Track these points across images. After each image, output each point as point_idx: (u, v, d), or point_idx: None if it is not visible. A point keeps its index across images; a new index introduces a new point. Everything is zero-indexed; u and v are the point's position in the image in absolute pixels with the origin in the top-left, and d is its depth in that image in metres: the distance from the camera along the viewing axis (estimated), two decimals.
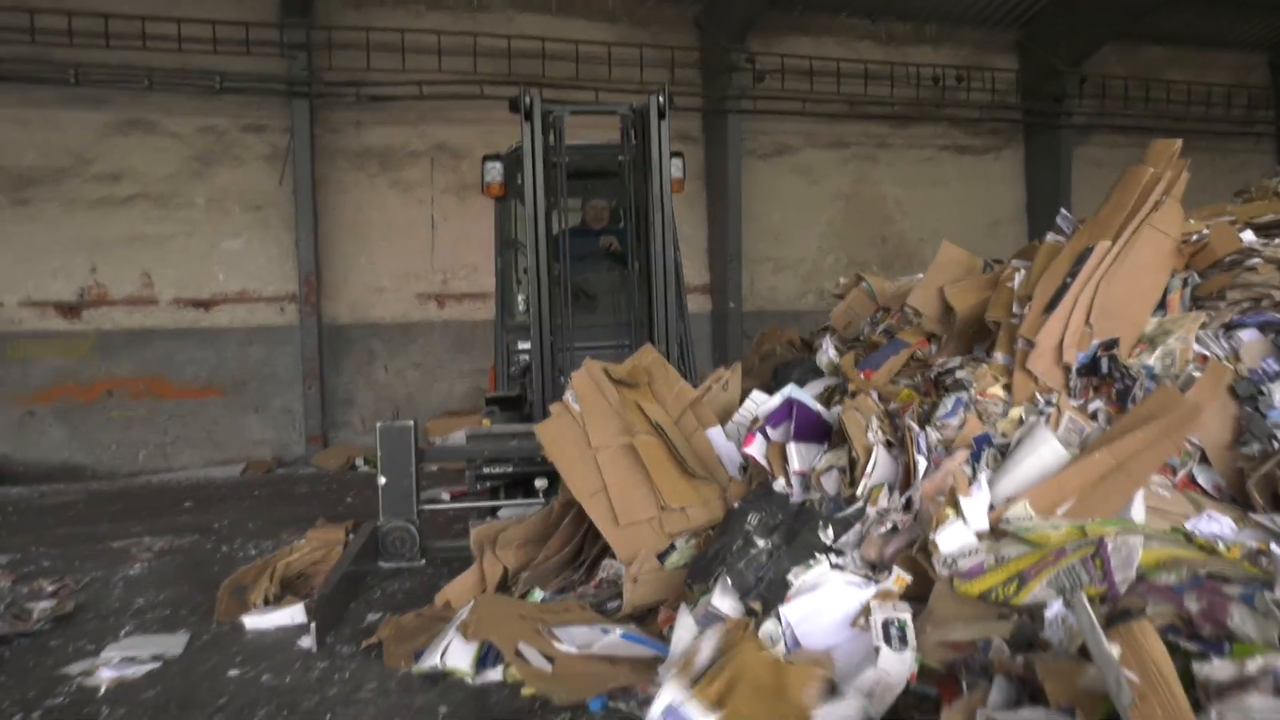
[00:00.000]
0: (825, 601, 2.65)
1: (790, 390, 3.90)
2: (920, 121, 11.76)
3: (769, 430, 3.66)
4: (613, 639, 2.90)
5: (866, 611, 2.46)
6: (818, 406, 3.85)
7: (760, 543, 3.02)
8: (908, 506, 3.01)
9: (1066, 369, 3.49)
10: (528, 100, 4.75)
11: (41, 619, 3.36)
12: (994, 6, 11.52)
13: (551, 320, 4.84)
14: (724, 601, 2.85)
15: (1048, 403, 3.35)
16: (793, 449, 3.53)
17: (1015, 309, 3.76)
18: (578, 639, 2.93)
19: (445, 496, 6.10)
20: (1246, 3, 12.05)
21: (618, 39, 10.24)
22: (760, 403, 3.96)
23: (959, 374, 3.87)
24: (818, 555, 2.88)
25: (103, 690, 2.82)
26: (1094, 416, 3.31)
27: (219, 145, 9.38)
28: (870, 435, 3.35)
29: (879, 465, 3.20)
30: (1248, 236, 3.66)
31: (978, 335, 4.05)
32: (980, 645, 2.01)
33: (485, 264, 10.14)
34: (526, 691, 2.67)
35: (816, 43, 11.06)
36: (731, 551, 3.03)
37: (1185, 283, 3.66)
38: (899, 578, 2.67)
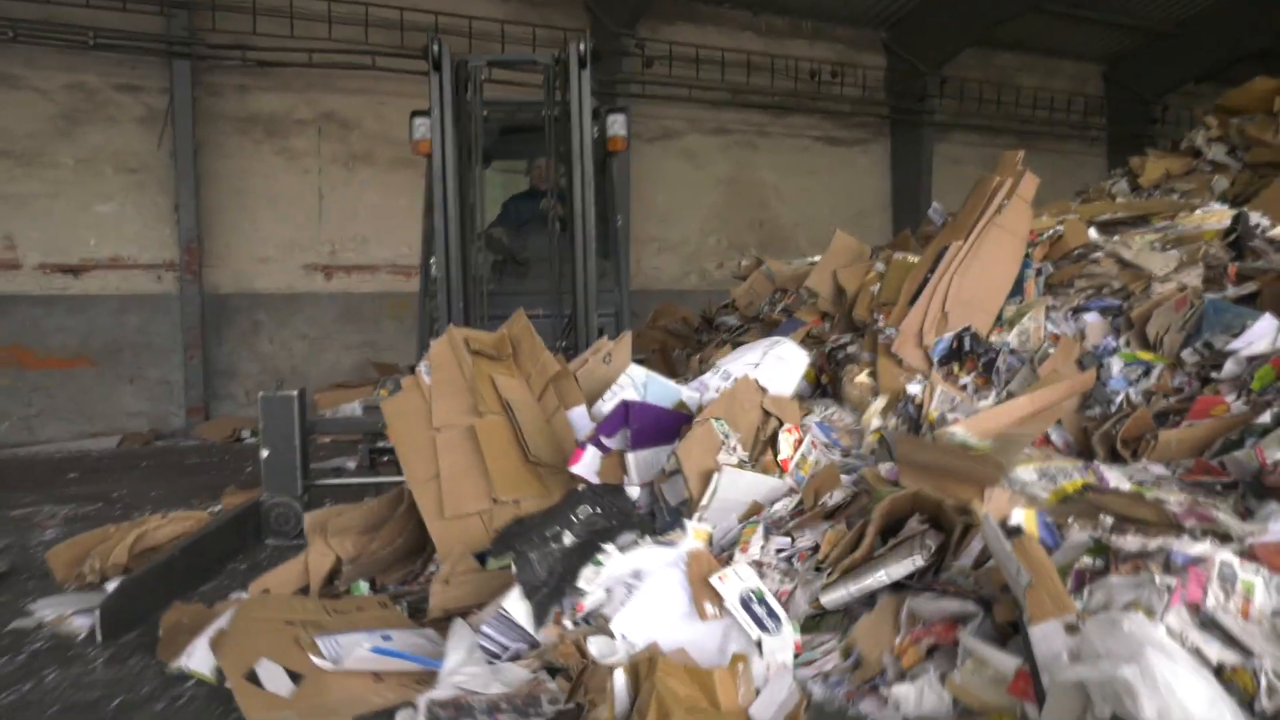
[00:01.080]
0: (651, 597, 2.41)
1: (640, 376, 3.56)
2: (796, 112, 12.39)
3: (603, 440, 3.24)
4: (363, 653, 2.47)
5: (710, 596, 2.30)
6: (678, 391, 3.56)
7: (567, 540, 2.74)
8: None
9: (927, 352, 4.01)
10: (436, 49, 4.51)
11: None
12: (864, 7, 12.25)
13: (465, 287, 4.60)
14: (516, 605, 2.53)
15: (920, 379, 3.86)
16: (631, 460, 3.15)
17: (874, 315, 4.26)
18: (344, 650, 2.53)
19: (351, 466, 6.17)
20: (1085, 18, 13.25)
21: (510, 17, 10.33)
22: (629, 383, 3.59)
23: (850, 349, 4.36)
24: (602, 555, 2.60)
25: None
26: (964, 388, 3.83)
27: (89, 104, 8.94)
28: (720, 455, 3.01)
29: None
30: (1092, 233, 4.28)
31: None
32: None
33: (374, 236, 10.16)
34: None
35: (702, 31, 11.47)
36: (537, 537, 2.76)
37: (1039, 272, 4.24)
38: (698, 531, 2.66)
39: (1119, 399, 3.41)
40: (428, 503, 3.30)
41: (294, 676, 2.38)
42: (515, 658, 2.46)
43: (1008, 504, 2.12)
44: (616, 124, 4.94)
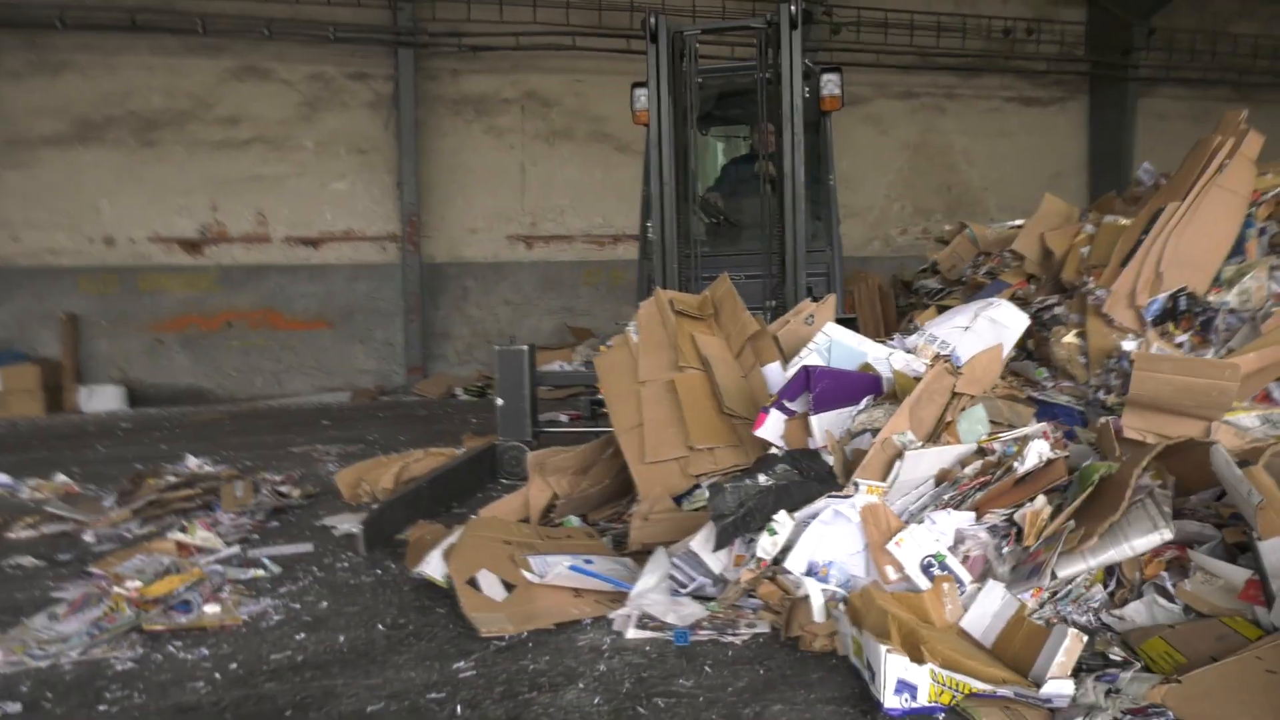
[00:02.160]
0: (829, 538, 2.59)
1: (824, 340, 3.55)
2: (988, 73, 12.05)
3: (787, 404, 3.31)
4: (563, 571, 2.80)
5: (890, 561, 2.42)
6: (864, 352, 3.50)
7: (761, 478, 2.89)
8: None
9: (1139, 312, 4.05)
10: (653, 21, 4.66)
11: (298, 496, 4.12)
12: None
13: (680, 249, 4.73)
14: (703, 544, 2.79)
15: (1134, 337, 3.93)
16: (816, 423, 3.20)
17: (1083, 277, 4.30)
18: (550, 568, 2.85)
19: (564, 419, 6.76)
20: None
21: None
22: (819, 344, 3.58)
23: (1056, 310, 4.45)
24: (775, 523, 2.68)
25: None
26: (1179, 346, 3.88)
27: (327, 91, 10.00)
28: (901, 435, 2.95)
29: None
30: None
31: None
32: None
33: (571, 208, 10.81)
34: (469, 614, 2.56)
35: None
36: (735, 477, 2.96)
37: (1262, 231, 4.18)
38: (871, 487, 2.70)
39: None
40: (631, 448, 3.59)
41: (508, 586, 2.72)
42: (699, 591, 2.73)
43: (1234, 439, 2.29)
44: (831, 83, 4.96)
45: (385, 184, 10.20)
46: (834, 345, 3.55)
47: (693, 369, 3.65)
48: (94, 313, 9.50)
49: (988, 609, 2.21)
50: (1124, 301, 4.01)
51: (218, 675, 2.21)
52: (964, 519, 2.55)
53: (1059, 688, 1.80)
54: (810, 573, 2.55)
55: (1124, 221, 4.43)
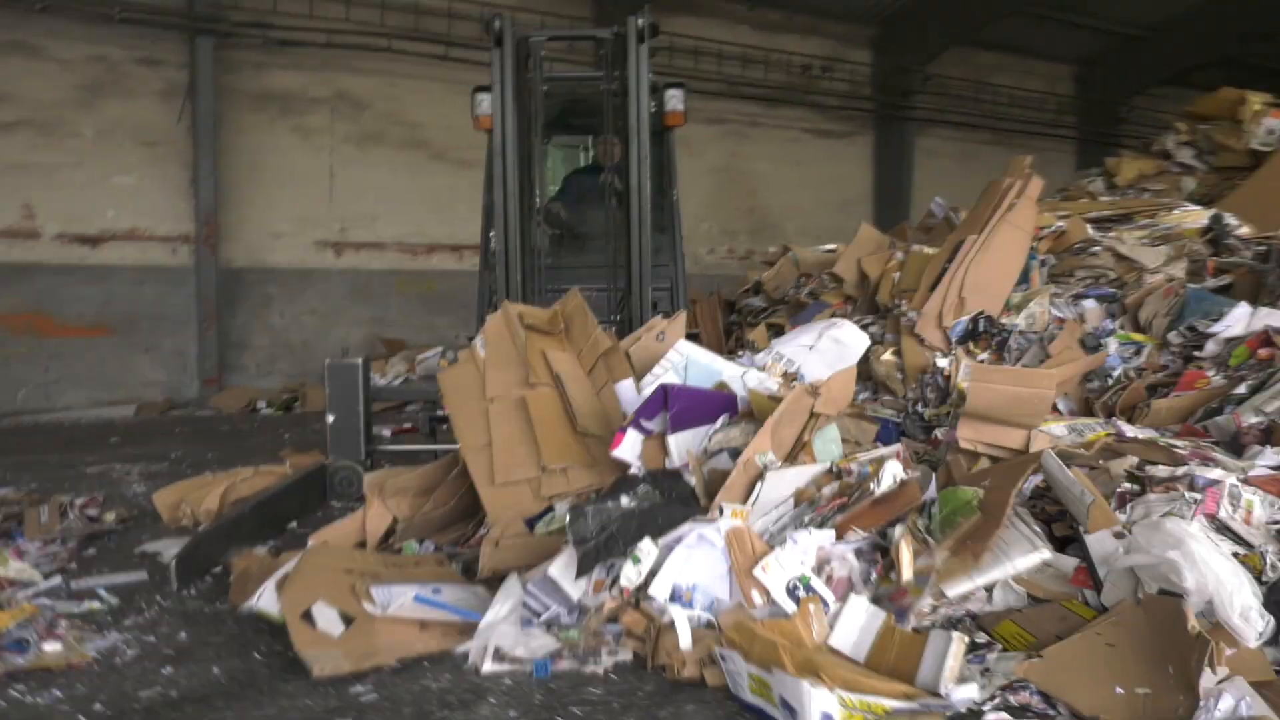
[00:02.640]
0: (693, 563, 2.57)
1: (679, 358, 3.57)
2: (787, 105, 12.86)
3: (644, 423, 3.29)
4: (407, 602, 2.67)
5: (756, 586, 2.44)
6: (719, 370, 3.55)
7: (624, 500, 2.86)
8: None
9: (946, 333, 4.53)
10: (498, 25, 4.46)
11: (112, 520, 3.74)
12: (855, 4, 12.74)
13: (524, 261, 4.60)
14: (561, 570, 2.69)
15: (947, 355, 4.36)
16: (673, 442, 3.21)
17: (896, 300, 4.75)
18: (394, 599, 2.70)
19: (386, 434, 6.52)
20: (1059, 20, 13.89)
21: (519, 5, 10.63)
22: (674, 362, 3.60)
23: (872, 329, 4.85)
24: (640, 551, 2.61)
25: None
26: (981, 364, 4.35)
27: (110, 76, 9.12)
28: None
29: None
30: (1089, 230, 4.81)
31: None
32: None
33: (385, 214, 10.49)
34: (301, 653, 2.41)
35: (702, 23, 11.88)
36: (596, 499, 2.89)
37: (1043, 263, 4.77)
38: (735, 510, 2.72)
39: (1116, 374, 3.95)
40: (479, 469, 3.43)
41: (347, 620, 2.53)
42: (554, 620, 2.63)
43: (1049, 445, 2.62)
44: (674, 98, 4.95)
45: (178, 180, 9.44)
46: (690, 363, 3.57)
47: (545, 386, 3.57)
48: None
49: (854, 624, 2.27)
50: (933, 323, 4.44)
51: (81, 718, 1.99)
52: (825, 537, 2.58)
53: (965, 693, 1.93)
54: (675, 597, 2.53)
55: (929, 251, 4.91)
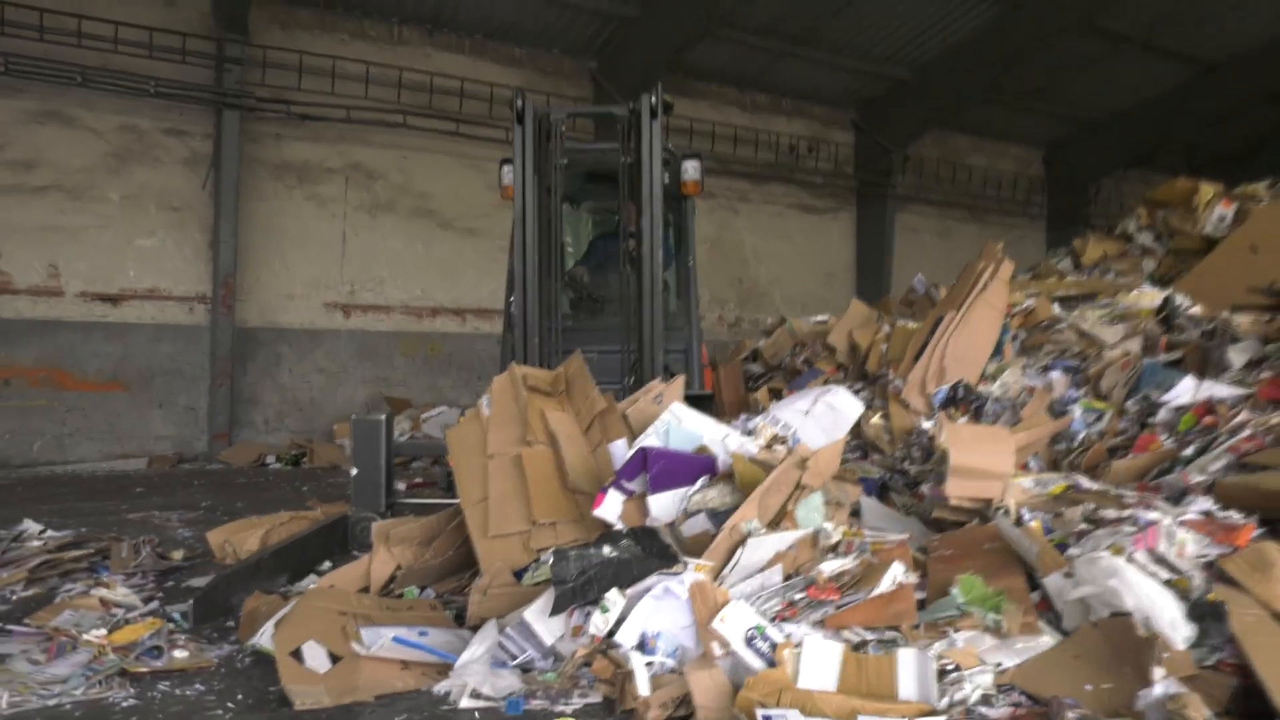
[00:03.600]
0: (659, 613, 2.70)
1: (673, 420, 3.68)
2: (774, 181, 13.59)
3: (625, 484, 3.43)
4: (386, 642, 2.84)
5: (716, 638, 2.55)
6: (699, 434, 3.65)
7: (606, 550, 2.96)
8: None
9: (929, 399, 5.01)
10: (519, 103, 4.77)
11: (179, 558, 4.10)
12: (838, 89, 13.56)
13: (541, 322, 4.79)
14: (537, 616, 2.83)
15: (931, 419, 4.83)
16: (653, 503, 3.35)
17: (883, 369, 5.25)
18: (380, 639, 2.88)
19: (401, 487, 6.87)
20: (1028, 108, 14.80)
21: (525, 84, 11.31)
22: (667, 424, 3.71)
23: (862, 395, 5.33)
24: (608, 601, 2.77)
25: None
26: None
27: (139, 145, 9.64)
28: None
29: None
30: (1055, 309, 5.35)
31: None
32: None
33: (391, 279, 10.98)
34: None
35: (695, 105, 12.61)
36: (580, 547, 3.01)
37: (1015, 337, 5.29)
38: (699, 565, 2.87)
39: (1080, 437, 4.43)
40: (475, 521, 3.63)
41: (334, 658, 2.73)
42: (529, 663, 2.80)
43: (1020, 495, 3.08)
44: (690, 169, 5.19)
45: (198, 243, 9.90)
46: (672, 428, 3.69)
47: (541, 444, 3.74)
48: None
49: (815, 659, 2.44)
50: (917, 389, 4.93)
51: (230, 704, 2.37)
52: (812, 634, 2.61)
53: (964, 695, 2.30)
54: (642, 644, 2.67)
55: (913, 325, 5.42)
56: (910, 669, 2.38)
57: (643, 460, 3.41)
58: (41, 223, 9.22)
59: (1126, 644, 2.26)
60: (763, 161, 13.24)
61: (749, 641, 2.52)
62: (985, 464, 3.29)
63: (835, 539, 3.14)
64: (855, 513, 3.63)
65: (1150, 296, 5.80)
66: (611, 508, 3.39)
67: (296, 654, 2.72)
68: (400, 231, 10.94)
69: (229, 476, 8.24)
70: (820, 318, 6.30)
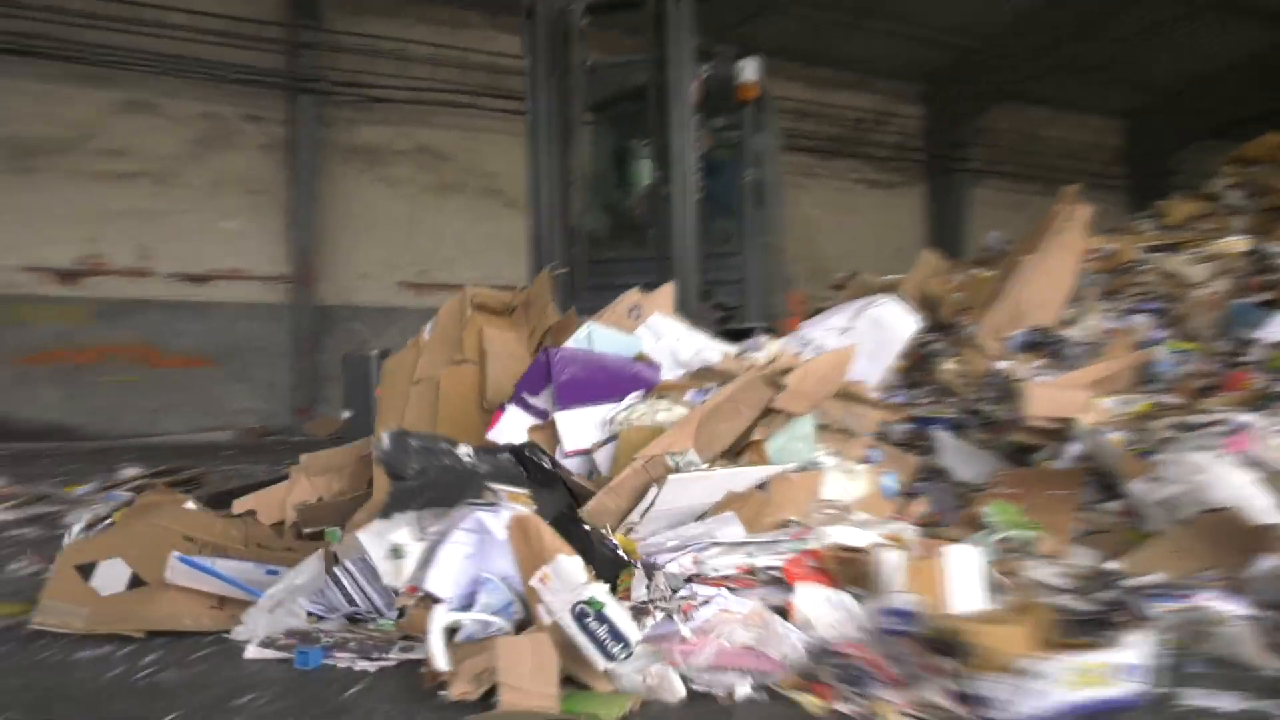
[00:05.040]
0: (479, 552, 2.12)
1: (582, 335, 2.97)
2: (841, 156, 13.44)
3: (528, 399, 2.76)
4: (176, 564, 2.38)
5: (539, 600, 1.90)
6: (635, 344, 2.95)
7: (463, 454, 2.44)
8: None
9: (1005, 345, 4.92)
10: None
11: None
12: (904, 62, 13.34)
13: (572, 250, 4.32)
14: (373, 538, 2.22)
15: (1007, 362, 4.75)
16: (563, 421, 2.65)
17: (957, 317, 5.17)
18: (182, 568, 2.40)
19: None
20: (1106, 77, 14.34)
21: None
22: (589, 331, 3.04)
23: (936, 346, 5.26)
24: (401, 548, 2.20)
25: None
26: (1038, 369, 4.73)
27: (219, 131, 10.01)
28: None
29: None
30: (1138, 249, 5.20)
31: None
32: None
33: (459, 258, 11.17)
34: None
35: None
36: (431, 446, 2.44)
37: (1094, 281, 5.16)
38: (512, 494, 2.27)
39: (1168, 377, 4.30)
40: None
41: (138, 583, 2.34)
42: (368, 610, 2.24)
43: (1103, 414, 3.02)
44: (747, 68, 4.49)
45: (276, 226, 10.24)
46: (595, 333, 3.01)
47: (470, 364, 3.22)
48: None
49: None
50: (992, 335, 4.84)
51: None
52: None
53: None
54: (470, 596, 2.05)
55: (987, 273, 5.33)
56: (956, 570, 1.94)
57: (545, 367, 2.72)
58: (132, 207, 9.64)
59: (1226, 535, 2.20)
60: (828, 136, 13.11)
61: (579, 618, 1.84)
62: (1064, 385, 3.23)
63: (845, 481, 2.48)
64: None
65: (1239, 244, 5.60)
66: (511, 428, 2.72)
67: (83, 569, 2.35)
68: (468, 211, 11.13)
69: (312, 446, 8.48)
70: (891, 276, 6.23)
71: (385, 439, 2.46)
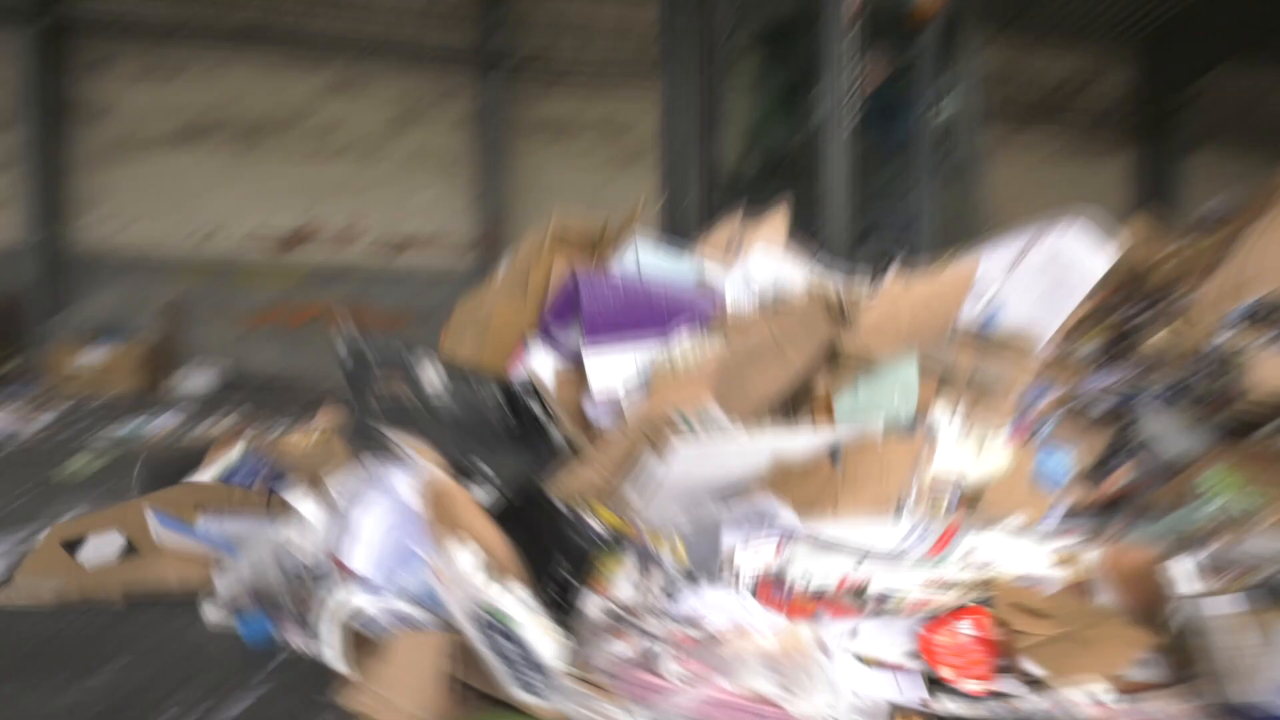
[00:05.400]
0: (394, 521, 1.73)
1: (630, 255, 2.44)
2: (1036, 124, 12.62)
3: (555, 333, 2.32)
4: (153, 524, 2.26)
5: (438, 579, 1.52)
6: (684, 270, 2.40)
7: (436, 377, 2.07)
8: None
9: (1222, 317, 4.50)
10: None
11: None
12: (1110, 20, 12.32)
13: (701, 181, 3.77)
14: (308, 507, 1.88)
15: (1228, 333, 4.36)
16: (591, 359, 2.20)
17: (1168, 288, 4.76)
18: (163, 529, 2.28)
19: None
20: None
21: None
22: (635, 248, 2.60)
23: (1139, 319, 4.89)
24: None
25: None
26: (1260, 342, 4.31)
27: (416, 108, 10.63)
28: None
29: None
30: None
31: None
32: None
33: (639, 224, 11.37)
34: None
35: None
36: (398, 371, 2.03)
37: None
38: (418, 447, 1.83)
39: None
40: None
41: (132, 550, 2.26)
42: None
43: None
44: None
45: (466, 198, 10.78)
46: (641, 252, 2.43)
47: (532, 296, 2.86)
48: (192, 301, 10.06)
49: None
50: (1210, 307, 4.45)
51: None
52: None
53: None
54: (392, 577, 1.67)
55: (1204, 241, 4.89)
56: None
57: (573, 294, 2.20)
58: (340, 180, 10.42)
59: None
60: (1023, 102, 12.34)
61: (484, 629, 1.42)
62: None
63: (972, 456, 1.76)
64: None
65: None
66: (533, 367, 2.26)
67: (75, 543, 2.26)
68: (649, 179, 11.27)
69: None
70: None
71: (341, 345, 2.07)
